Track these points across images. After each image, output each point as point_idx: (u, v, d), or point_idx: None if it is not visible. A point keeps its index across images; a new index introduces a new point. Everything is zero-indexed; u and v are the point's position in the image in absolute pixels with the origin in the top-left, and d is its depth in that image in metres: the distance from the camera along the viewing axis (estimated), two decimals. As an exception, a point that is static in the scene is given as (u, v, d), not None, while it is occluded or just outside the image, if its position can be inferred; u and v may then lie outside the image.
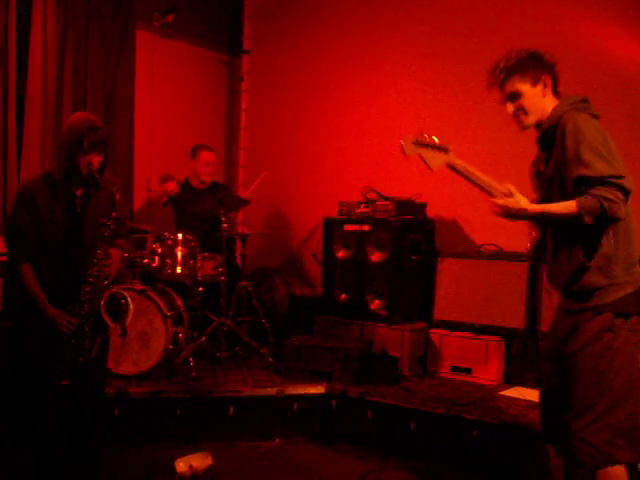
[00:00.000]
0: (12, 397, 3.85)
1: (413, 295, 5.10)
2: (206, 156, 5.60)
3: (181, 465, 3.73)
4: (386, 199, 5.19)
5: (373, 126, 5.89)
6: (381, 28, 5.84)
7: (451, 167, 2.67)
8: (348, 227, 5.24)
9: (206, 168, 5.60)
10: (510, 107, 2.73)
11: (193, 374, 4.54)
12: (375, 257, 5.08)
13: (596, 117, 2.64)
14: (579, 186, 2.49)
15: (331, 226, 5.35)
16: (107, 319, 3.10)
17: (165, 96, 6.30)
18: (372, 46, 5.92)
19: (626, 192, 2.46)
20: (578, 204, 2.46)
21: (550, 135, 2.66)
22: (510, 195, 2.61)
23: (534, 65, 2.68)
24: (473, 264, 4.92)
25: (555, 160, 2.63)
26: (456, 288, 4.96)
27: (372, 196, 5.30)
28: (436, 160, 2.66)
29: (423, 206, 5.30)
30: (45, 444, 3.08)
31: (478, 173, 2.67)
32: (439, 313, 5.02)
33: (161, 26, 6.21)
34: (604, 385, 2.51)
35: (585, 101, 2.67)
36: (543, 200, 2.71)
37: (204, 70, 6.81)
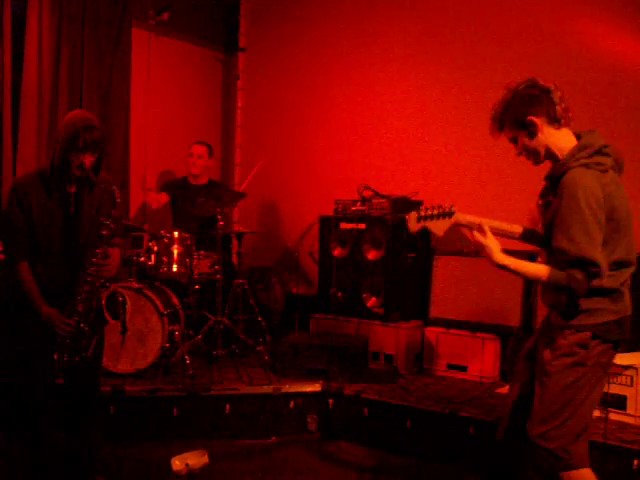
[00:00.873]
0: (6, 396, 3.84)
1: (409, 293, 5.11)
2: (194, 148, 5.73)
3: (177, 463, 3.73)
4: (382, 197, 5.19)
5: (369, 124, 5.89)
6: (377, 26, 5.84)
7: (457, 226, 2.77)
8: (344, 225, 5.25)
9: (193, 159, 5.70)
10: (515, 150, 2.78)
11: (189, 372, 4.54)
12: (371, 255, 5.09)
13: (603, 172, 2.56)
14: (557, 255, 2.54)
15: (327, 224, 5.35)
16: (108, 317, 3.09)
17: (161, 94, 6.28)
18: (368, 44, 5.91)
19: (597, 277, 2.49)
20: (550, 274, 2.55)
21: (555, 181, 2.62)
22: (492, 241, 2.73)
23: (517, 110, 2.66)
24: (469, 262, 4.93)
25: (552, 209, 2.63)
26: (452, 286, 4.97)
27: (368, 194, 5.30)
28: (442, 227, 2.76)
29: (419, 204, 5.30)
30: (40, 443, 3.08)
31: (485, 221, 2.74)
32: (435, 311, 5.02)
33: (156, 24, 6.18)
34: (568, 397, 2.58)
35: (599, 153, 2.58)
36: (546, 234, 2.72)
37: (200, 68, 6.80)
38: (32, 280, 3.03)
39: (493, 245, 2.73)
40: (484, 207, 5.02)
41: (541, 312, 4.65)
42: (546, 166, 2.73)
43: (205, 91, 6.88)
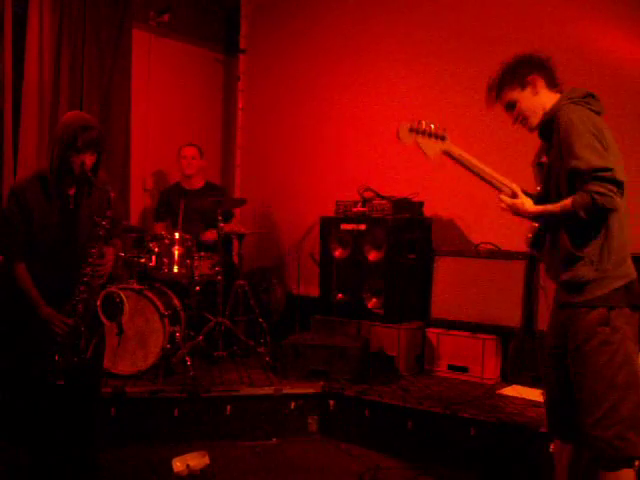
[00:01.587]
0: (7, 397, 3.84)
1: (410, 294, 5.10)
2: (186, 150, 5.71)
3: (178, 464, 3.74)
4: (383, 198, 5.19)
5: (370, 125, 5.88)
6: (378, 27, 5.84)
7: (448, 155, 2.72)
8: (345, 226, 5.24)
9: (188, 161, 5.68)
10: (511, 117, 2.82)
11: (190, 373, 4.53)
12: (372, 256, 5.08)
13: (597, 113, 2.65)
14: (573, 179, 2.54)
15: (328, 225, 5.35)
16: (103, 318, 3.09)
17: (161, 95, 6.29)
18: (369, 45, 5.91)
19: (618, 184, 2.48)
20: (573, 202, 2.52)
21: (548, 127, 2.70)
22: (515, 196, 2.68)
23: (518, 71, 2.77)
24: (470, 263, 4.92)
25: (553, 151, 2.67)
26: (453, 287, 4.96)
27: (369, 195, 5.30)
28: (433, 148, 2.70)
29: (420, 205, 5.30)
30: (41, 444, 3.07)
31: (477, 162, 2.73)
32: (436, 312, 5.02)
33: (157, 25, 6.20)
34: (608, 381, 2.54)
35: (588, 96, 2.69)
36: (544, 190, 2.75)
37: (200, 69, 6.80)
38: (30, 280, 3.03)
39: (525, 200, 2.69)
40: (485, 207, 5.02)
41: (542, 313, 4.66)
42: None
43: (206, 93, 6.88)
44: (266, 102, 6.70)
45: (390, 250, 4.98)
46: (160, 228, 5.63)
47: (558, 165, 2.63)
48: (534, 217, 2.73)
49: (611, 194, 2.46)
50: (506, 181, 2.72)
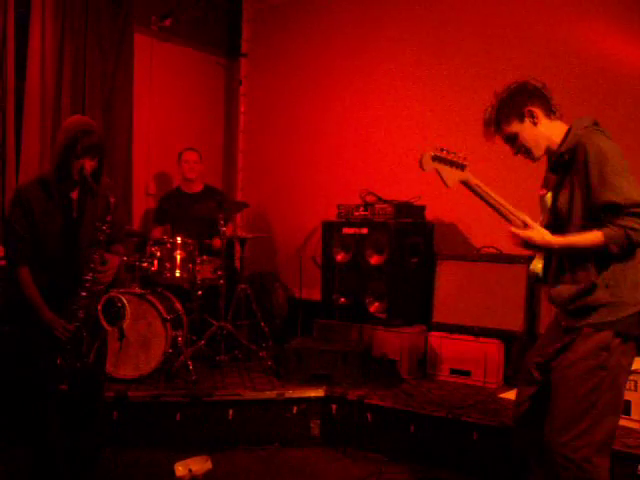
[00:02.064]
0: (10, 401, 3.85)
1: (412, 298, 5.10)
2: (188, 155, 5.74)
3: (180, 469, 3.73)
4: (385, 202, 5.19)
5: (372, 129, 5.89)
6: (380, 31, 5.85)
7: (466, 185, 2.69)
8: (347, 230, 5.24)
9: (190, 165, 5.72)
10: (512, 149, 2.79)
11: (192, 378, 4.53)
12: (374, 260, 5.08)
13: (609, 138, 2.63)
14: (606, 211, 2.50)
15: (330, 229, 5.35)
16: (104, 323, 3.09)
17: (163, 100, 6.30)
18: (371, 49, 5.92)
19: None
20: (605, 236, 2.48)
21: (566, 159, 2.65)
22: (527, 227, 2.62)
23: (514, 103, 2.71)
24: (472, 267, 4.92)
25: (573, 183, 2.61)
26: (455, 291, 4.96)
27: (371, 199, 5.30)
28: (452, 177, 2.67)
29: (422, 209, 5.30)
30: (44, 447, 3.08)
31: (495, 196, 2.68)
32: (438, 316, 5.01)
33: (159, 30, 6.21)
34: (590, 403, 2.55)
35: (596, 124, 2.67)
36: (551, 223, 2.72)
37: (202, 73, 6.81)
38: (33, 285, 3.04)
39: (543, 231, 2.63)
40: (486, 211, 5.02)
41: (544, 317, 4.65)
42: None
43: (207, 96, 6.89)
44: (267, 106, 6.71)
45: (392, 254, 4.98)
46: (158, 231, 5.66)
47: (581, 195, 2.58)
48: (555, 250, 2.66)
49: None
50: (516, 212, 2.66)
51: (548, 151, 2.73)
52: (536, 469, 2.82)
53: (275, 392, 4.42)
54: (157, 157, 6.18)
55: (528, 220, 2.63)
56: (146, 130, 6.07)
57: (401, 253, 5.01)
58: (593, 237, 2.51)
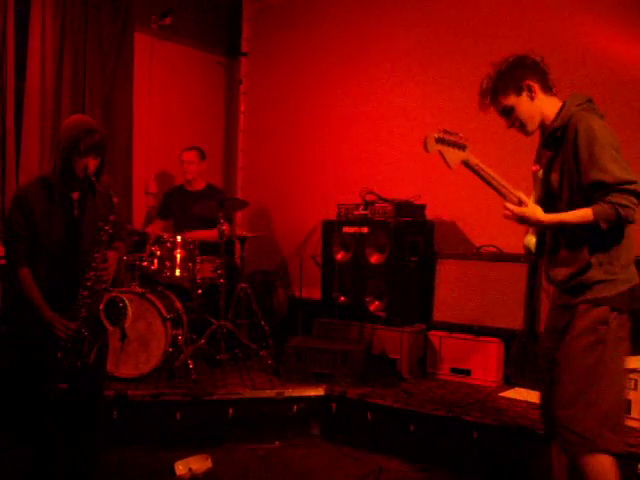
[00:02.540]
0: (11, 401, 3.85)
1: (412, 297, 5.10)
2: (185, 155, 5.72)
3: (180, 468, 3.74)
4: (385, 201, 5.19)
5: (372, 128, 5.89)
6: (380, 30, 5.84)
7: (466, 165, 2.69)
8: (347, 229, 5.24)
9: (186, 166, 5.70)
10: (507, 122, 2.79)
11: (193, 377, 4.54)
12: (374, 259, 5.08)
13: (602, 118, 2.67)
14: (595, 190, 2.54)
15: (330, 228, 5.35)
16: (106, 323, 3.09)
17: (163, 99, 6.30)
18: (371, 47, 5.92)
19: (638, 195, 2.51)
20: (595, 212, 2.51)
21: (559, 135, 2.69)
22: (522, 204, 2.65)
23: (512, 76, 2.72)
24: (472, 265, 4.92)
25: (564, 160, 2.66)
26: (455, 290, 4.96)
27: (371, 198, 5.30)
28: (454, 158, 2.66)
29: (422, 207, 5.30)
30: (43, 447, 3.08)
31: (493, 174, 2.70)
32: (438, 315, 5.01)
33: (159, 29, 6.21)
34: (593, 376, 2.57)
35: (590, 101, 2.70)
36: (543, 198, 2.75)
37: (202, 73, 6.81)
38: (34, 285, 3.03)
39: (536, 208, 2.66)
40: (486, 210, 5.02)
41: (544, 315, 4.65)
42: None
43: (208, 95, 6.89)
44: (268, 105, 6.71)
45: (392, 253, 4.98)
46: (158, 226, 5.71)
47: (571, 172, 2.62)
48: (546, 227, 2.71)
49: (633, 206, 2.49)
50: (512, 189, 2.69)
51: (542, 126, 2.75)
52: (554, 448, 2.82)
53: (275, 391, 4.43)
54: (157, 156, 6.17)
55: (523, 197, 2.66)
56: (146, 129, 6.07)
57: (401, 252, 5.01)
58: (582, 214, 2.55)
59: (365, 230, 5.13)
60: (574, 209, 2.60)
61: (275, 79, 6.64)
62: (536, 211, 2.64)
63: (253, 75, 6.86)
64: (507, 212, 2.68)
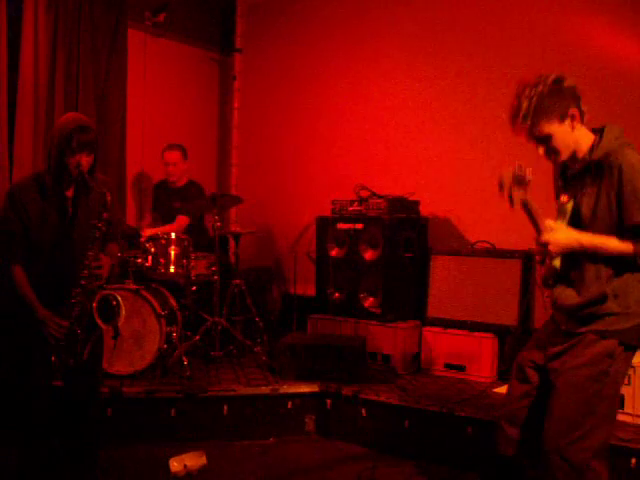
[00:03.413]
0: (3, 399, 3.83)
1: (406, 293, 5.11)
2: (167, 157, 5.62)
3: (175, 464, 3.74)
4: (379, 197, 5.19)
5: (366, 123, 5.89)
6: (374, 25, 5.84)
7: (524, 205, 2.56)
8: (341, 225, 5.24)
9: (167, 168, 5.62)
10: (541, 150, 2.64)
11: (187, 373, 4.54)
12: (368, 255, 5.09)
13: (634, 149, 2.58)
14: (635, 231, 2.49)
15: (324, 224, 5.35)
16: (99, 321, 3.09)
17: (157, 95, 6.28)
18: (365, 43, 5.91)
19: None
20: (635, 250, 2.48)
21: (594, 169, 2.59)
22: (552, 229, 2.57)
23: (558, 100, 2.55)
24: (466, 261, 4.93)
25: (602, 195, 2.56)
26: (449, 286, 4.97)
27: (365, 194, 5.30)
28: (518, 197, 2.54)
29: (416, 204, 5.31)
30: (34, 444, 3.07)
31: (540, 212, 2.59)
32: (432, 311, 5.03)
33: (153, 25, 6.19)
34: (592, 408, 2.56)
35: (622, 132, 2.62)
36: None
37: (196, 69, 6.79)
38: (27, 283, 3.03)
39: (562, 232, 2.58)
40: (480, 206, 5.03)
41: (538, 311, 4.67)
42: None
43: (201, 92, 6.87)
44: (262, 101, 6.70)
45: (386, 249, 4.98)
46: (148, 218, 5.72)
47: (609, 209, 2.54)
48: (583, 248, 2.57)
49: None
50: (545, 226, 2.59)
51: (571, 157, 2.64)
52: (530, 471, 2.79)
53: (270, 387, 4.43)
54: (151, 152, 6.15)
55: (551, 224, 2.58)
56: (140, 125, 6.05)
57: (395, 248, 5.02)
58: (623, 246, 2.50)
59: (359, 226, 5.13)
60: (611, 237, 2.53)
61: (269, 76, 6.63)
62: (570, 231, 2.57)
63: (247, 71, 6.85)
64: (540, 247, 2.60)
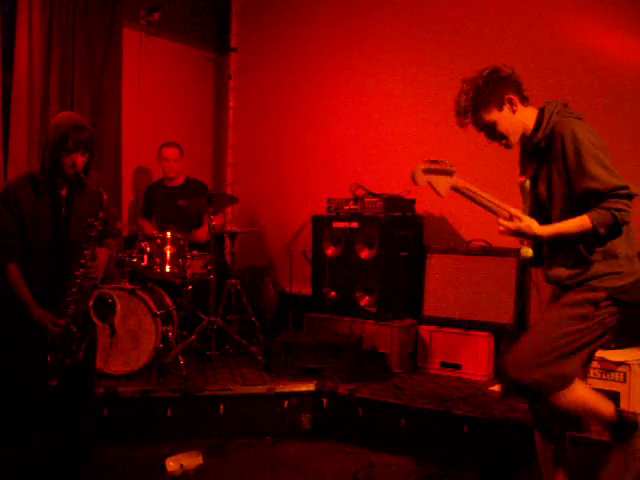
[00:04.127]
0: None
1: (402, 291, 5.11)
2: (165, 152, 5.66)
3: (171, 464, 3.73)
4: (374, 196, 5.20)
5: (361, 122, 5.89)
6: (369, 24, 5.84)
7: (456, 190, 2.69)
8: (337, 224, 5.25)
9: (167, 164, 5.65)
10: (488, 137, 2.79)
11: (183, 373, 4.52)
12: (364, 254, 5.09)
13: (581, 119, 2.68)
14: (587, 197, 2.56)
15: (320, 223, 5.35)
16: (95, 319, 3.08)
17: (152, 94, 6.27)
18: (360, 43, 5.91)
19: (632, 197, 2.54)
20: (592, 219, 2.54)
21: (543, 146, 2.70)
22: (512, 219, 2.65)
23: (493, 90, 2.70)
24: (462, 260, 4.93)
25: (553, 169, 2.66)
26: (445, 284, 4.98)
27: (360, 193, 5.30)
28: (444, 185, 2.67)
29: (412, 202, 5.31)
30: (30, 444, 3.07)
31: (482, 193, 2.70)
32: (428, 309, 5.03)
33: (148, 24, 6.18)
34: (559, 344, 2.59)
35: (567, 106, 2.72)
36: (533, 209, 2.77)
37: (192, 68, 6.78)
38: (22, 282, 3.02)
39: (531, 222, 2.66)
40: (475, 206, 5.03)
41: (534, 309, 4.68)
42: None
43: (197, 91, 6.86)
44: (257, 100, 6.69)
45: (382, 248, 4.98)
46: (148, 227, 5.63)
47: (561, 181, 2.64)
48: (545, 239, 2.70)
49: (628, 209, 2.53)
50: (503, 205, 2.69)
51: (522, 137, 2.76)
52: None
53: (266, 387, 4.43)
54: (146, 152, 6.14)
55: (514, 211, 2.66)
56: (135, 125, 6.05)
57: (391, 247, 5.02)
58: (580, 222, 2.57)
59: (355, 225, 5.13)
60: (567, 217, 2.61)
61: (265, 75, 6.63)
62: (532, 225, 2.64)
63: (242, 71, 6.84)
64: (502, 228, 2.68)
